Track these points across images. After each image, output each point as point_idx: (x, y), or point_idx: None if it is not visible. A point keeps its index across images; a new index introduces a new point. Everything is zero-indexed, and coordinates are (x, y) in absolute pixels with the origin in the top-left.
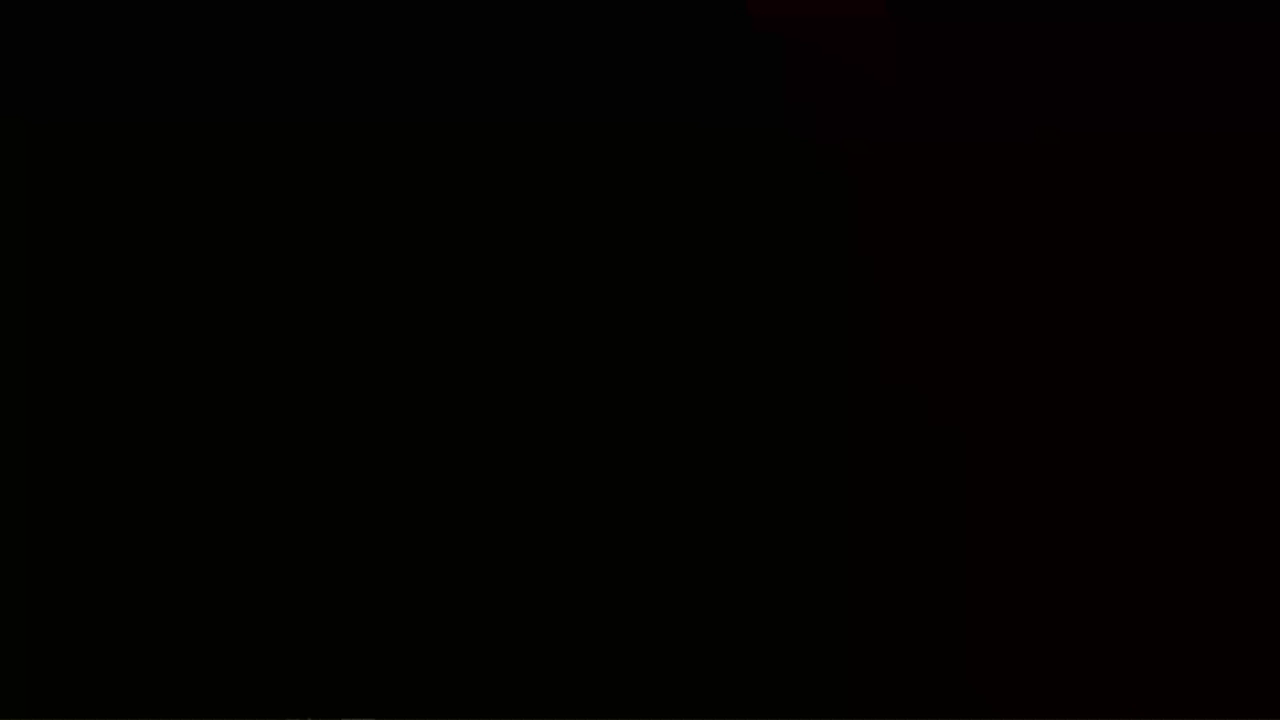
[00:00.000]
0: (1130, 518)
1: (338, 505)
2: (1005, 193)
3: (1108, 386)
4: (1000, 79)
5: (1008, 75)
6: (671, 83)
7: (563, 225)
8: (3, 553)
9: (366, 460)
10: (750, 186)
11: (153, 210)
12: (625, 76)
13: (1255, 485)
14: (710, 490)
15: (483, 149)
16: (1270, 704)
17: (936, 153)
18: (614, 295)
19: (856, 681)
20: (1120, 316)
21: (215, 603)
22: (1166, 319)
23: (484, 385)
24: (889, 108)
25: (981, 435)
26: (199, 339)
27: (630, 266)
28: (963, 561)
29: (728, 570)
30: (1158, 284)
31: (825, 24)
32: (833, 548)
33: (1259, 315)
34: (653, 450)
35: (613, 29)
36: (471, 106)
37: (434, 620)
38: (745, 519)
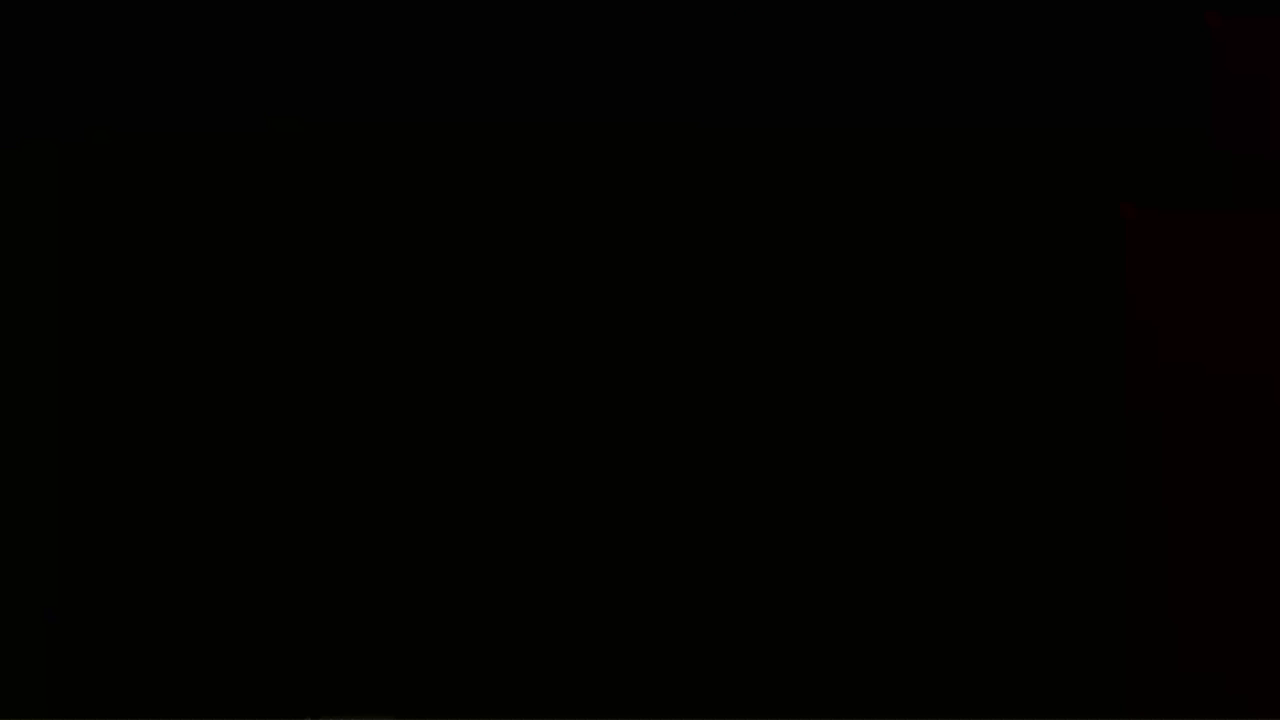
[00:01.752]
0: None
1: (353, 512)
2: None
3: None
4: None
5: None
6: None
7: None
8: (28, 558)
9: (405, 468)
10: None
11: (175, 219)
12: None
13: None
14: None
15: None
16: None
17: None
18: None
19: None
20: None
21: (226, 607)
22: None
23: (483, 386)
24: None
25: None
26: (223, 348)
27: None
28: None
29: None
30: None
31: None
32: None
33: None
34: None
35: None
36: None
37: (437, 621)
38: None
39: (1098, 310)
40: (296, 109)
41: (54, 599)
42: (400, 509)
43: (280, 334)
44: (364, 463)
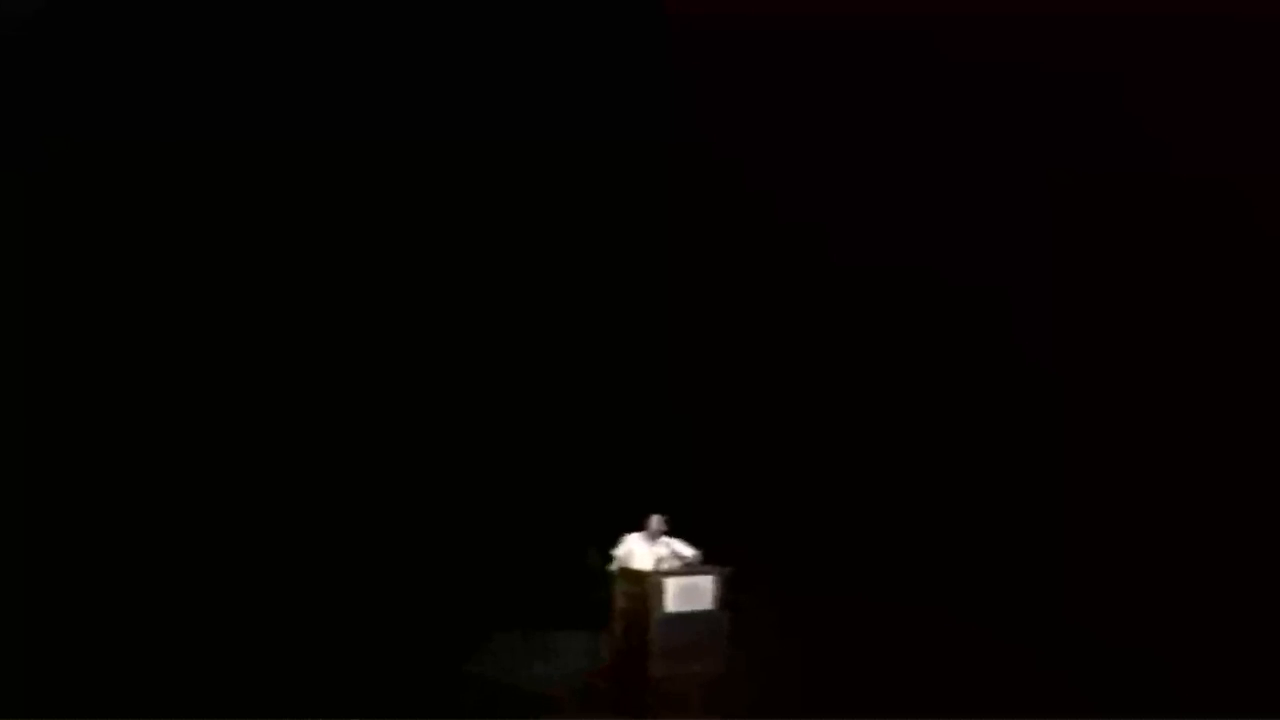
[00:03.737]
0: None
1: (349, 513)
2: None
3: None
4: None
5: None
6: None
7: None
8: (14, 559)
9: (400, 468)
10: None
11: (168, 223)
12: None
13: None
14: None
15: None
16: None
17: None
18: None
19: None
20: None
21: (211, 606)
22: None
23: (482, 385)
24: None
25: None
26: (213, 351)
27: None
28: None
29: None
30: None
31: None
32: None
33: None
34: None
35: None
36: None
37: (430, 624)
38: None
39: None
40: (295, 114)
41: (34, 599)
42: (397, 509)
43: (274, 335)
44: (353, 463)
